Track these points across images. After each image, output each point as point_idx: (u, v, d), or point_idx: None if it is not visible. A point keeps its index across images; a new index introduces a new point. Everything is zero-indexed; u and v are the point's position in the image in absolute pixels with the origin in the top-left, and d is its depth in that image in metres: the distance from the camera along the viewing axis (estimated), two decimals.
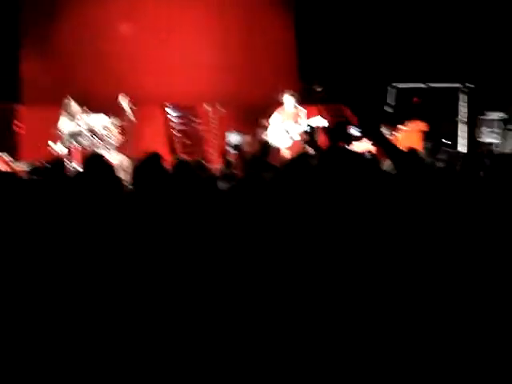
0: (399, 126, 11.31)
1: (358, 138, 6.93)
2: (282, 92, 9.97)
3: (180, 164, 5.49)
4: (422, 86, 12.56)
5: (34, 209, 3.61)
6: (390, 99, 12.72)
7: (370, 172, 3.69)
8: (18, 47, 12.45)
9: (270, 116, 9.94)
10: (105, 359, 2.93)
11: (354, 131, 7.40)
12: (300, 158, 4.38)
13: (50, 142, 9.77)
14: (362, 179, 3.55)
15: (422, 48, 12.89)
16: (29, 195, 3.79)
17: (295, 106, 9.74)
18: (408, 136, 11.02)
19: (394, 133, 11.07)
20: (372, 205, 3.43)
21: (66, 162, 9.29)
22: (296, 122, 9.72)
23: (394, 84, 12.38)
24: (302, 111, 9.77)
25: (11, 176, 3.91)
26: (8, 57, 12.34)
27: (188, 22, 13.22)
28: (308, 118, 9.89)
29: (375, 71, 13.07)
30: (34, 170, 5.18)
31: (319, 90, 13.91)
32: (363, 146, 8.29)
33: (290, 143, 9.70)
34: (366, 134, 4.05)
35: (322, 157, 3.89)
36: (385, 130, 11.34)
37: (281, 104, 9.85)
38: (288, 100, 9.78)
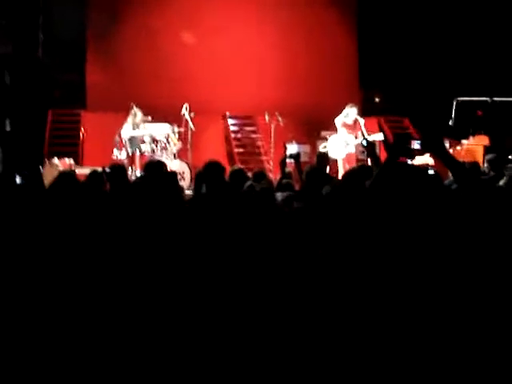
0: (462, 140, 11.08)
1: (419, 153, 6.83)
2: (345, 104, 9.91)
3: (237, 173, 5.53)
4: (486, 99, 12.29)
5: (91, 211, 3.67)
6: (453, 112, 12.50)
7: (431, 187, 3.62)
8: (84, 56, 12.81)
9: (329, 128, 9.91)
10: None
11: (416, 145, 7.28)
12: (359, 171, 4.35)
13: (114, 150, 10.00)
14: (423, 194, 3.49)
15: (485, 61, 12.66)
16: (86, 197, 3.86)
17: (356, 118, 9.66)
18: (470, 150, 10.78)
19: (456, 147, 10.85)
20: (433, 220, 3.37)
21: (128, 168, 9.50)
22: (355, 133, 9.64)
23: (458, 97, 12.15)
24: (361, 122, 9.69)
25: (71, 176, 3.98)
26: (75, 66, 12.74)
27: (251, 34, 13.31)
28: (367, 129, 9.79)
29: (438, 84, 12.88)
30: (94, 175, 5.27)
31: (379, 100, 13.81)
32: (422, 160, 8.16)
33: (347, 154, 9.62)
34: (427, 148, 3.98)
35: (381, 171, 3.84)
36: (447, 144, 11.14)
37: (342, 116, 9.79)
38: (350, 112, 9.70)
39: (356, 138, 9.56)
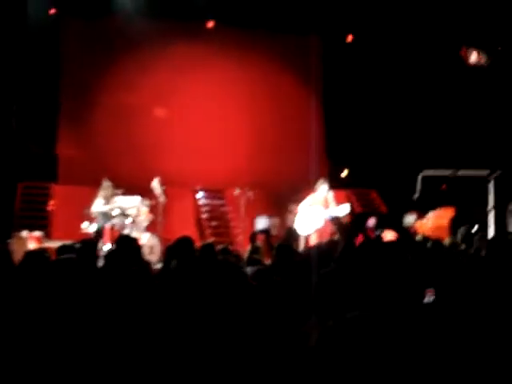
0: (428, 213, 11.28)
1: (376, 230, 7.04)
2: (316, 179, 10.06)
3: (207, 248, 5.58)
4: (450, 173, 12.60)
5: (61, 287, 3.67)
6: (419, 186, 12.77)
7: (396, 261, 3.71)
8: (56, 129, 12.92)
9: (298, 201, 10.03)
10: None
11: (371, 223, 7.49)
12: (327, 245, 4.44)
13: (83, 223, 9.97)
14: (391, 268, 3.58)
15: (450, 135, 13.05)
16: (57, 273, 3.86)
17: (326, 193, 9.79)
18: (436, 222, 10.97)
19: (423, 219, 11.04)
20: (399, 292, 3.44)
21: (97, 241, 9.45)
22: (325, 207, 9.76)
23: (423, 171, 12.45)
24: (330, 197, 9.84)
25: (40, 254, 3.98)
26: (47, 138, 12.82)
27: (221, 108, 13.61)
28: (336, 202, 9.93)
29: (404, 156, 13.21)
30: (64, 249, 5.26)
31: (346, 173, 14.07)
32: (390, 236, 8.30)
33: (317, 229, 9.69)
34: (385, 226, 4.14)
35: (348, 245, 3.95)
36: (414, 216, 11.33)
37: (312, 190, 9.93)
38: (321, 187, 9.83)
39: (325, 212, 9.67)
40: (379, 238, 5.36)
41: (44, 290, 3.35)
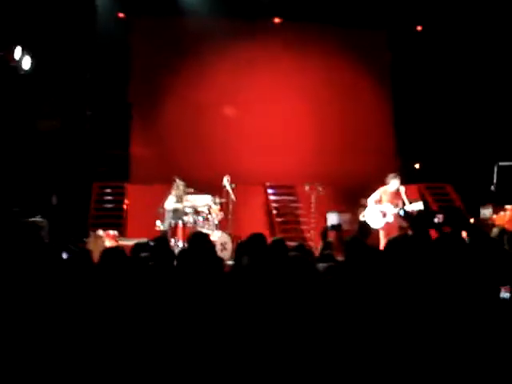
0: (506, 205, 10.92)
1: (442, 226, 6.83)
2: (387, 174, 9.88)
3: (277, 244, 5.57)
4: None
5: (138, 284, 3.74)
6: (495, 177, 12.37)
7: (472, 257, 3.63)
8: (129, 131, 13.22)
9: (369, 196, 9.88)
10: None
11: (439, 219, 7.26)
12: (402, 241, 4.35)
13: (157, 221, 10.16)
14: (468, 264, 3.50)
15: None
16: (133, 271, 3.94)
17: (398, 188, 9.61)
18: None
19: (500, 212, 10.70)
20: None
21: (170, 239, 9.62)
22: (396, 202, 9.57)
23: (499, 162, 12.05)
24: (402, 191, 9.64)
25: (117, 252, 4.07)
26: (120, 140, 13.15)
27: (286, 105, 13.58)
28: (408, 197, 9.73)
29: (479, 148, 12.83)
30: (139, 247, 5.37)
31: (419, 167, 13.77)
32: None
33: (386, 224, 9.52)
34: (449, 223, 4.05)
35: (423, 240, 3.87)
36: (490, 209, 10.99)
37: (384, 184, 9.77)
38: (392, 182, 9.66)
39: (396, 207, 9.49)
40: (455, 233, 5.22)
41: (122, 286, 3.42)
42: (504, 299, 3.74)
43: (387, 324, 3.40)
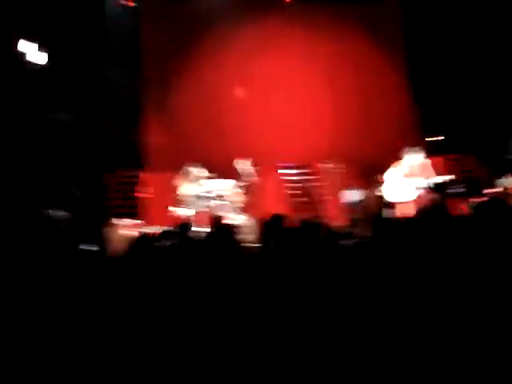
0: None
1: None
2: (409, 148, 9.74)
3: (307, 224, 5.51)
4: None
5: (167, 271, 3.71)
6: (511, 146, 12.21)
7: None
8: (141, 118, 13.15)
9: (387, 171, 9.76)
10: None
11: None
12: (434, 210, 4.27)
13: (171, 207, 10.12)
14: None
15: None
16: (162, 258, 3.91)
17: (422, 161, 9.45)
18: None
19: None
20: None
21: (192, 224, 9.58)
22: (424, 175, 9.43)
23: None
24: (428, 164, 9.48)
25: (145, 240, 4.04)
26: (133, 128, 13.07)
27: (305, 85, 13.46)
28: (434, 169, 9.58)
29: (502, 118, 12.63)
30: (165, 234, 5.35)
31: (441, 139, 13.59)
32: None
33: (413, 197, 9.42)
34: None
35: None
36: (509, 179, 10.84)
37: (400, 159, 9.64)
38: (416, 155, 9.51)
39: (424, 179, 9.36)
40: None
41: (151, 275, 3.39)
42: None
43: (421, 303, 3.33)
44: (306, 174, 13.18)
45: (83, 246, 4.50)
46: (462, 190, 8.86)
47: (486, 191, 9.76)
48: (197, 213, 9.99)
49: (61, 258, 3.94)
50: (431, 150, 12.05)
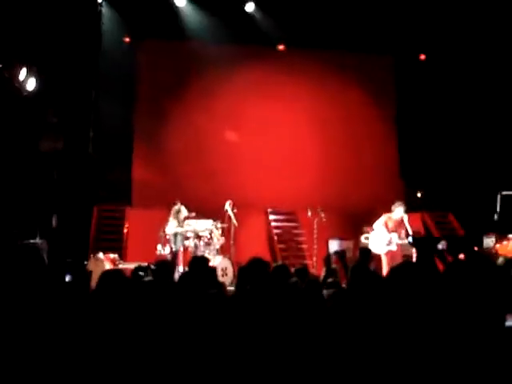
0: (509, 235, 10.85)
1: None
2: (391, 201, 9.82)
3: (281, 269, 5.49)
4: None
5: (137, 307, 3.67)
6: (498, 206, 12.31)
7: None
8: (131, 154, 13.19)
9: (372, 223, 9.81)
10: None
11: (442, 246, 7.22)
12: (405, 268, 4.28)
13: (158, 245, 10.10)
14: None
15: None
16: (133, 293, 3.86)
17: (402, 216, 9.53)
18: None
19: (503, 241, 10.63)
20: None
21: (173, 263, 9.54)
22: (399, 231, 9.49)
23: (502, 191, 12.00)
24: (405, 219, 9.56)
25: (117, 274, 4.01)
26: (122, 163, 13.11)
27: (290, 131, 13.62)
28: (411, 225, 9.65)
29: (481, 177, 12.80)
30: (139, 270, 5.32)
31: (421, 195, 13.71)
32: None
33: (389, 251, 9.45)
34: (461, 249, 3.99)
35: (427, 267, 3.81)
36: (493, 239, 10.91)
37: (388, 212, 9.70)
38: (397, 210, 9.59)
39: (399, 236, 9.43)
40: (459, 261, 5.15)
41: (121, 309, 3.35)
42: (510, 327, 3.66)
43: (390, 351, 3.32)
44: (291, 221, 13.20)
45: (66, 277, 4.46)
46: (442, 246, 8.89)
47: (468, 249, 9.82)
48: (177, 251, 9.96)
49: (39, 286, 3.90)
50: (412, 205, 12.16)
